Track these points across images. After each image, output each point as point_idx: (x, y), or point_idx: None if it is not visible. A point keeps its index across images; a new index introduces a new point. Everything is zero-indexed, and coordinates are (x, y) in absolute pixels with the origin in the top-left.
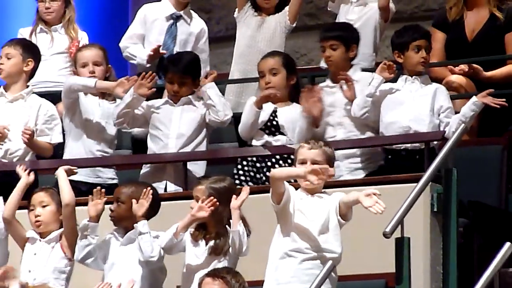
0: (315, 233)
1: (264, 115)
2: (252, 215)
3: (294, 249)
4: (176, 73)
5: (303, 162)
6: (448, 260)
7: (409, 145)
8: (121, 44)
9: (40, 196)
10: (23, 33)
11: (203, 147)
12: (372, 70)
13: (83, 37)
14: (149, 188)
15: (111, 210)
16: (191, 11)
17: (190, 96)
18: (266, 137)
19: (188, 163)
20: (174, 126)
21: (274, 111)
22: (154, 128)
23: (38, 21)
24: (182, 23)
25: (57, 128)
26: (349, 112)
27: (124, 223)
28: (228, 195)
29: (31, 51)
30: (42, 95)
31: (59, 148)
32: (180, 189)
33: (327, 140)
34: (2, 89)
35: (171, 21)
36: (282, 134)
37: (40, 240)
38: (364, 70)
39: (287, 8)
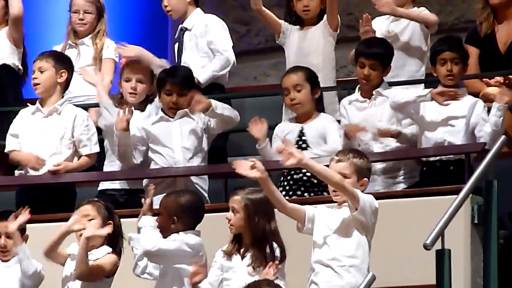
0: (329, 243)
1: (291, 140)
2: (293, 226)
3: (315, 261)
4: (175, 84)
5: None
6: (488, 272)
7: (443, 156)
8: None
9: (86, 209)
10: (56, 50)
11: (206, 159)
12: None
13: (110, 45)
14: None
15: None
16: (196, 14)
17: (186, 110)
18: None
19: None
20: (176, 140)
21: (301, 130)
22: (157, 145)
23: (69, 34)
24: (187, 32)
25: (94, 137)
26: (380, 127)
27: (165, 233)
28: (264, 206)
29: (63, 62)
30: None
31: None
32: None
33: (362, 151)
34: (38, 104)
35: (178, 36)
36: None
37: None
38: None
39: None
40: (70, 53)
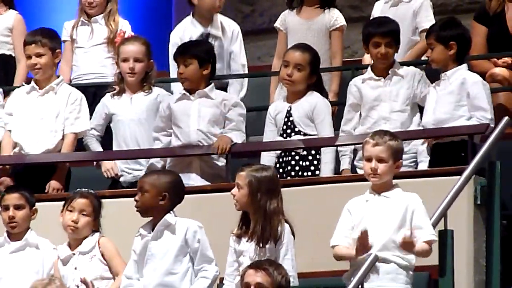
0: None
1: (280, 120)
2: (299, 207)
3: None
4: (178, 55)
5: (369, 159)
6: (491, 252)
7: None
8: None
9: (83, 204)
10: (67, 26)
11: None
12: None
13: (124, 26)
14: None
15: (136, 200)
16: (220, 19)
17: (205, 89)
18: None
19: None
20: (193, 122)
21: (289, 110)
22: (175, 125)
23: (81, 13)
24: (212, 40)
25: (83, 115)
26: (395, 106)
27: (150, 213)
28: (269, 185)
29: (56, 41)
30: (84, 87)
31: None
32: (207, 183)
33: (392, 132)
34: (33, 83)
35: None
36: (299, 133)
37: (74, 254)
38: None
39: (334, 13)
40: (82, 30)
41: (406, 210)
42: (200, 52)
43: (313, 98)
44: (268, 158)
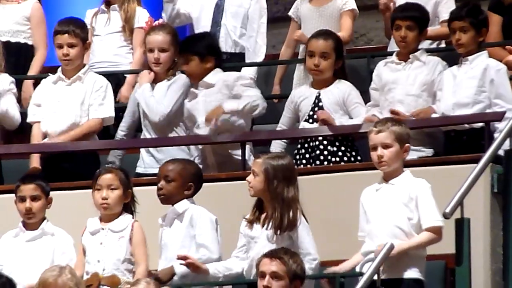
0: (378, 231)
1: (307, 106)
2: (313, 195)
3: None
4: (180, 53)
5: (374, 148)
6: (508, 241)
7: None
8: None
9: (109, 179)
10: (88, 15)
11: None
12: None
13: (142, 14)
14: None
15: (159, 188)
16: None
17: (205, 79)
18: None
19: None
20: (201, 117)
21: (317, 96)
22: (188, 121)
23: (105, 3)
24: None
25: (108, 102)
26: (410, 90)
27: (172, 201)
28: (285, 172)
29: (86, 32)
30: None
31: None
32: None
33: (395, 118)
34: (60, 73)
35: None
36: None
37: (103, 229)
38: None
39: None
40: (101, 18)
41: (409, 197)
42: (199, 47)
43: (344, 86)
44: (279, 144)
